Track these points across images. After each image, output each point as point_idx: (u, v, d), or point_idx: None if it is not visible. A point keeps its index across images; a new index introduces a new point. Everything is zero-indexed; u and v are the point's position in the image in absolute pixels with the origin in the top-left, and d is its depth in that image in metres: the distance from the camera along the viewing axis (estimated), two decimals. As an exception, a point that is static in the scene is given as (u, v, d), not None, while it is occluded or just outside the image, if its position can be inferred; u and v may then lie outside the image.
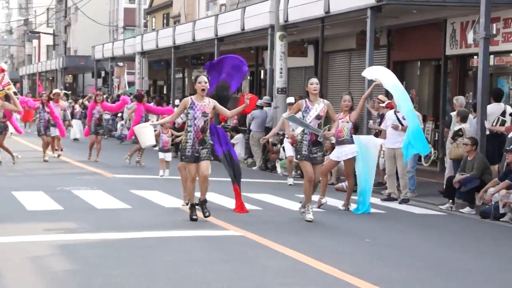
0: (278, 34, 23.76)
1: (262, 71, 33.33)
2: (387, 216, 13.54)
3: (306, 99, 12.27)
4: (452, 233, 12.18)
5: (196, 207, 11.84)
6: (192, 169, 11.68)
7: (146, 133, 14.72)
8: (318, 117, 12.10)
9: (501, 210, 13.33)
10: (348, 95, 14.31)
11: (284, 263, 8.93)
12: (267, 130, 21.93)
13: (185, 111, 11.72)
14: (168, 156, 18.69)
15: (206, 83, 11.72)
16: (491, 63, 18.58)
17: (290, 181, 17.87)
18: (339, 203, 14.07)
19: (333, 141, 14.58)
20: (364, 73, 14.05)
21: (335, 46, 26.73)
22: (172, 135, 17.39)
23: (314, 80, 12.29)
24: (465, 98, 18.72)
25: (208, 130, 11.76)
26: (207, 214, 11.71)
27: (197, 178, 11.77)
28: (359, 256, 9.70)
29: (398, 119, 15.06)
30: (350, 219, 12.88)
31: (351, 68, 26.26)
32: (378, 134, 17.15)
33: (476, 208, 14.16)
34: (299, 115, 12.52)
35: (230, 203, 13.57)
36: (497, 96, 16.15)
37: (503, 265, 9.69)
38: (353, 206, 13.72)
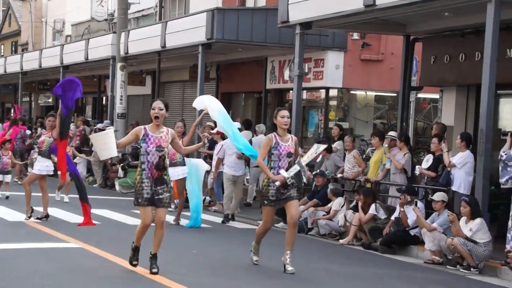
0: (119, 64, 23.71)
1: (104, 98, 32.96)
2: (214, 230, 13.78)
3: (275, 134, 9.43)
4: (266, 245, 12.51)
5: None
6: (147, 215, 8.69)
7: (107, 143, 9.35)
8: (289, 155, 9.37)
9: (309, 225, 13.92)
10: (180, 122, 14.48)
11: (119, 273, 8.92)
12: (108, 151, 21.93)
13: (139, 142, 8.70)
14: (8, 178, 17.17)
15: (161, 110, 8.67)
16: (304, 97, 19.35)
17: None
18: (170, 219, 14.20)
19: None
20: (194, 104, 14.27)
21: (170, 77, 26.91)
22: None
23: (285, 113, 9.38)
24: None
25: (167, 168, 8.79)
26: (154, 270, 8.73)
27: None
28: (185, 265, 9.85)
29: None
30: (180, 233, 13.02)
31: (184, 97, 26.49)
32: (206, 157, 17.45)
33: (289, 222, 14.68)
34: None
35: (72, 217, 13.38)
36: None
37: (309, 268, 10.12)
38: (183, 221, 13.88)
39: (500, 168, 10.83)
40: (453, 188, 12.39)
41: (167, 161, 8.78)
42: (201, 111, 14.34)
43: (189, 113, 24.62)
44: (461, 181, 12.30)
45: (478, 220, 10.97)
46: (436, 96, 17.63)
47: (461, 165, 12.33)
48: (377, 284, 9.75)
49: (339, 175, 14.73)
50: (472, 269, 10.85)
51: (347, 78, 19.24)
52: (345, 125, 19.66)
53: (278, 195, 9.34)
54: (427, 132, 19.79)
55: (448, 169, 12.51)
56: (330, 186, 14.18)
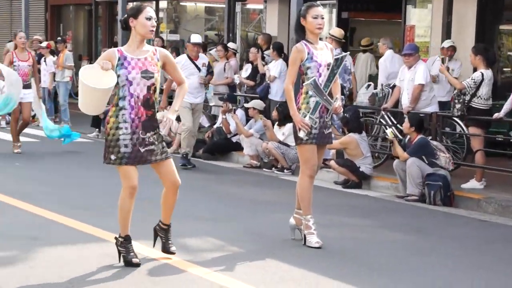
0: None
1: None
2: (40, 144, 14.10)
3: (306, 42, 6.80)
4: (90, 156, 12.85)
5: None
6: (131, 175, 5.86)
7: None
8: (329, 67, 6.74)
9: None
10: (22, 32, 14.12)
11: None
12: None
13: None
14: None
15: (157, 20, 6.35)
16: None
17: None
18: None
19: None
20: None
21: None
22: None
23: (319, 11, 6.75)
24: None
25: (156, 104, 5.93)
26: (172, 248, 6.15)
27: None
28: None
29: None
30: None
31: (12, 11, 25.92)
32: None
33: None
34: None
35: None
36: None
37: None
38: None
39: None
40: (270, 96, 13.32)
41: (157, 96, 5.91)
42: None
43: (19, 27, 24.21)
44: (277, 90, 13.23)
45: (289, 125, 11.95)
46: (264, 7, 18.40)
47: (279, 75, 13.21)
48: (197, 186, 10.37)
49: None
50: (285, 170, 11.91)
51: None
52: (176, 37, 20.16)
53: (322, 127, 6.83)
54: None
55: (269, 81, 13.31)
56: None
